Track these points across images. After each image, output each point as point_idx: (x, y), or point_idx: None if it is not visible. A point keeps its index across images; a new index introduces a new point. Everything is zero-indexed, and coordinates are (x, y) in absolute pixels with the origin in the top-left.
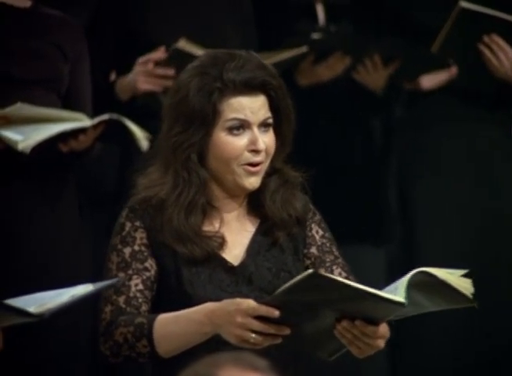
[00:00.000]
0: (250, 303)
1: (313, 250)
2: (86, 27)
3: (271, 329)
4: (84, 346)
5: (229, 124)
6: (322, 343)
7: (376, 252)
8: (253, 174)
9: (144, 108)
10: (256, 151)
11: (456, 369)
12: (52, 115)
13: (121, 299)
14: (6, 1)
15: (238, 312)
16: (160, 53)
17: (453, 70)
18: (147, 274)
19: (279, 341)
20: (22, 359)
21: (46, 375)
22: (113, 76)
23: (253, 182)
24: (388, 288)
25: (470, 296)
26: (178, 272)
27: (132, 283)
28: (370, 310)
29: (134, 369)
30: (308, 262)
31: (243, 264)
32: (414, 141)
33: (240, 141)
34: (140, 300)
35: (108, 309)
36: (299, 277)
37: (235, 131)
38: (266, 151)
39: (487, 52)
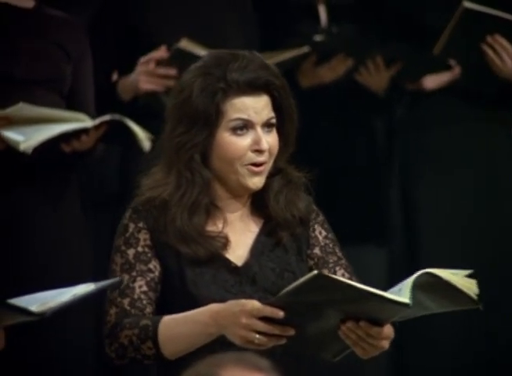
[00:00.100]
0: (254, 304)
1: (316, 250)
2: (88, 26)
3: (275, 330)
4: (88, 347)
5: (233, 124)
6: (327, 344)
7: (377, 253)
8: (256, 174)
9: (146, 108)
10: (259, 151)
11: (458, 369)
12: (54, 116)
13: (126, 301)
14: (9, 1)
15: (243, 313)
16: (161, 52)
17: (456, 71)
18: (151, 275)
19: (283, 341)
20: (25, 359)
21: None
22: (115, 76)
23: (256, 182)
24: (393, 289)
25: (475, 297)
26: (181, 273)
27: (136, 284)
28: (375, 311)
29: (138, 370)
30: (311, 262)
31: (246, 264)
32: (416, 141)
33: (244, 141)
34: (145, 302)
35: (113, 311)
36: (304, 278)
37: (238, 132)
38: (269, 151)
39: (490, 52)
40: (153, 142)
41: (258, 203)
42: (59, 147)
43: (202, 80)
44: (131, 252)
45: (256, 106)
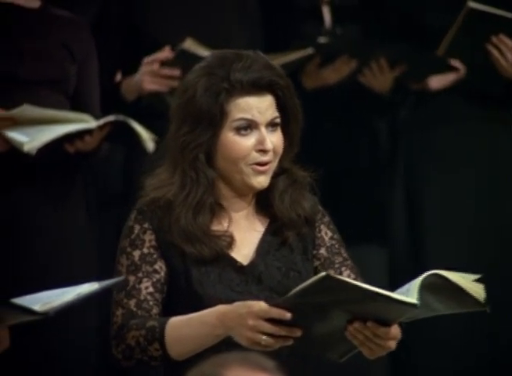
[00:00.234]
0: (261, 305)
1: (322, 251)
2: (91, 26)
3: (282, 331)
4: (91, 347)
5: (237, 124)
6: (333, 344)
7: (378, 253)
8: (261, 173)
9: (149, 108)
10: (264, 151)
11: (461, 369)
12: (58, 116)
13: (132, 303)
14: (15, 1)
15: (249, 314)
16: (165, 53)
17: (461, 71)
18: (157, 276)
19: (290, 343)
20: (28, 359)
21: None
22: (118, 76)
23: (261, 181)
24: (400, 290)
25: (482, 300)
26: (187, 273)
27: (142, 286)
28: (382, 312)
29: (142, 370)
30: (317, 262)
31: (252, 263)
32: (420, 142)
33: (248, 141)
34: (151, 303)
35: (119, 312)
36: (311, 280)
37: (242, 132)
38: (274, 151)
39: (495, 52)
40: (157, 142)
41: (263, 202)
42: (62, 148)
43: (206, 80)
44: (136, 254)
45: (260, 106)
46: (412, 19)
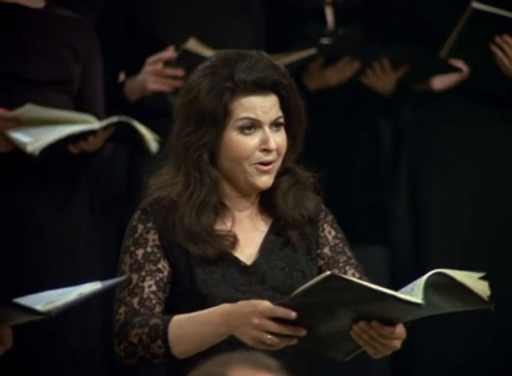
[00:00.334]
0: (266, 305)
1: (326, 250)
2: (95, 27)
3: (287, 330)
4: (95, 347)
5: (240, 123)
6: (338, 344)
7: (381, 254)
8: (265, 172)
9: (152, 108)
10: (267, 150)
11: (459, 366)
12: (62, 117)
13: (135, 300)
14: (19, 1)
15: (254, 313)
16: (169, 53)
17: (464, 71)
18: (160, 275)
19: (294, 342)
20: (31, 359)
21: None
22: (121, 77)
23: (265, 180)
24: (404, 289)
25: (487, 298)
26: (191, 272)
27: (146, 284)
28: (387, 311)
29: (145, 370)
30: (321, 262)
31: (256, 263)
32: (423, 142)
33: (252, 140)
34: (154, 301)
35: (122, 310)
36: (317, 279)
37: (246, 131)
38: (278, 150)
39: (499, 52)
40: (161, 143)
41: (267, 202)
42: (66, 148)
43: (210, 80)
44: (140, 252)
45: (264, 106)
46: (415, 19)
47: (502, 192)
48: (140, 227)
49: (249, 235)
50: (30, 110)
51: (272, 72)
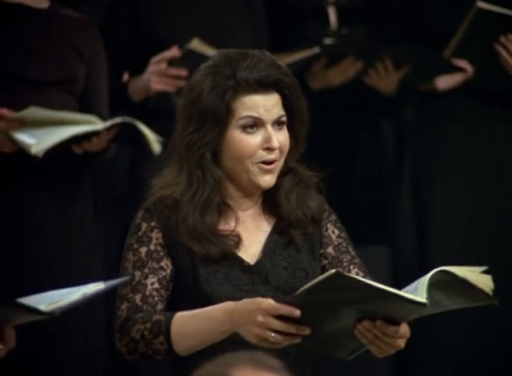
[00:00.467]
0: (270, 302)
1: (330, 250)
2: (99, 27)
3: (291, 328)
4: (98, 347)
5: (243, 122)
6: (342, 343)
7: (384, 253)
8: (267, 172)
9: (156, 108)
10: (270, 149)
11: (461, 363)
12: (66, 118)
13: (137, 297)
14: (24, 1)
15: (259, 311)
16: (173, 52)
17: (469, 71)
18: (163, 273)
19: (298, 340)
20: (34, 359)
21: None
22: (125, 77)
23: (268, 180)
24: (408, 288)
25: (491, 293)
26: (194, 271)
27: (148, 281)
28: (391, 310)
29: (148, 370)
30: (325, 261)
31: (259, 263)
32: (426, 142)
33: (254, 139)
34: (156, 298)
35: (124, 306)
36: (321, 277)
37: (249, 130)
38: (280, 149)
39: (503, 52)
40: (164, 144)
41: (270, 202)
42: (70, 149)
43: (212, 79)
44: (143, 250)
45: (266, 104)
46: (418, 20)
47: (505, 192)
48: (144, 225)
49: (252, 235)
50: (34, 111)
51: (274, 71)
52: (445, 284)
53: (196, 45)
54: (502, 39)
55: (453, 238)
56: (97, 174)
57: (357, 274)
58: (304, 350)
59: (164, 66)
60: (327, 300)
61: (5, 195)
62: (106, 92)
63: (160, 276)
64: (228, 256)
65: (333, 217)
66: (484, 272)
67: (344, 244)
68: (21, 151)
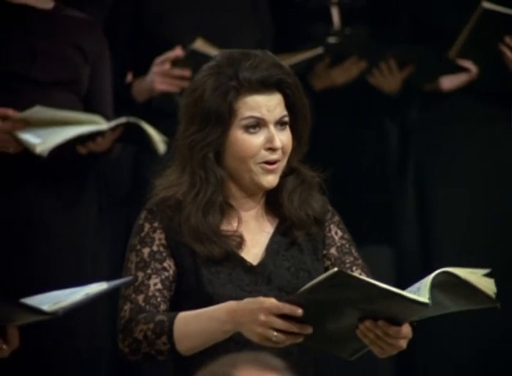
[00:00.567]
0: (273, 301)
1: (333, 251)
2: (103, 27)
3: (293, 328)
4: (102, 348)
5: (245, 122)
6: (344, 343)
7: (388, 254)
8: (270, 172)
9: (160, 109)
10: (272, 149)
11: (470, 366)
12: (70, 118)
13: (140, 298)
14: (28, 2)
15: (261, 310)
16: (176, 52)
17: (473, 71)
18: (166, 274)
19: (300, 340)
20: (38, 360)
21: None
22: (128, 78)
23: (270, 180)
24: (411, 288)
25: (493, 296)
26: (197, 272)
27: (151, 282)
28: (393, 310)
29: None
30: (327, 262)
31: (262, 263)
32: (430, 142)
33: (257, 139)
34: (159, 299)
35: (127, 307)
36: (324, 276)
37: (251, 130)
38: (283, 149)
39: (508, 52)
40: (168, 144)
41: (273, 203)
42: (74, 149)
43: (214, 79)
44: (146, 251)
45: (268, 104)
46: (422, 20)
47: (510, 192)
48: (147, 226)
49: (255, 235)
50: (38, 111)
51: (276, 71)
52: (448, 285)
53: (199, 45)
54: (507, 39)
55: (458, 238)
56: (101, 174)
57: (359, 275)
58: (307, 350)
59: (167, 66)
60: (329, 299)
61: (9, 195)
62: (111, 92)
63: (163, 276)
64: (230, 256)
65: (336, 218)
66: (487, 275)
67: (346, 246)
68: (26, 151)
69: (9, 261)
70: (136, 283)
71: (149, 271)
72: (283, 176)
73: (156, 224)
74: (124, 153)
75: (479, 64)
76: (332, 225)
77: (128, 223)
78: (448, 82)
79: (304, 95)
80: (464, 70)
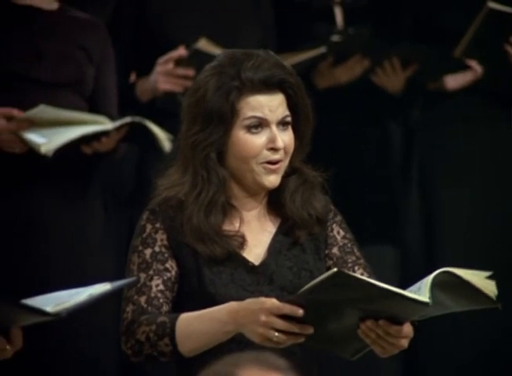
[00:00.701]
0: (274, 302)
1: (335, 250)
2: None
3: (294, 328)
4: (106, 350)
5: (248, 122)
6: (345, 343)
7: (392, 254)
8: (272, 172)
9: (163, 108)
10: (275, 149)
11: (471, 367)
12: (75, 118)
13: (142, 299)
14: (33, 3)
15: (262, 310)
16: (180, 51)
17: (478, 71)
18: (168, 275)
19: (301, 340)
20: (41, 360)
21: None
22: (132, 77)
23: (272, 180)
24: (412, 288)
25: (494, 297)
26: (199, 272)
27: (153, 283)
28: (394, 310)
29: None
30: (329, 262)
31: (264, 263)
32: (434, 142)
33: (259, 139)
34: (161, 300)
35: (129, 308)
36: (324, 276)
37: (253, 130)
38: (285, 149)
39: None
40: (173, 142)
41: (275, 202)
42: (79, 149)
43: (216, 79)
44: (148, 252)
45: (271, 105)
46: (425, 19)
47: None
48: (149, 227)
49: (257, 235)
50: (43, 110)
51: (278, 71)
52: (449, 285)
53: (203, 44)
54: None
55: (462, 238)
56: (106, 174)
57: (361, 275)
58: (308, 349)
59: (171, 66)
60: (330, 299)
61: (14, 195)
62: (115, 92)
63: (165, 277)
64: (232, 257)
65: (339, 217)
66: (489, 277)
67: (349, 245)
68: (31, 151)
69: (14, 261)
70: (138, 285)
71: (151, 272)
72: (285, 176)
73: (158, 225)
74: (129, 153)
75: (484, 64)
76: (334, 225)
77: (131, 223)
78: (453, 81)
79: (307, 95)
80: (467, 67)
